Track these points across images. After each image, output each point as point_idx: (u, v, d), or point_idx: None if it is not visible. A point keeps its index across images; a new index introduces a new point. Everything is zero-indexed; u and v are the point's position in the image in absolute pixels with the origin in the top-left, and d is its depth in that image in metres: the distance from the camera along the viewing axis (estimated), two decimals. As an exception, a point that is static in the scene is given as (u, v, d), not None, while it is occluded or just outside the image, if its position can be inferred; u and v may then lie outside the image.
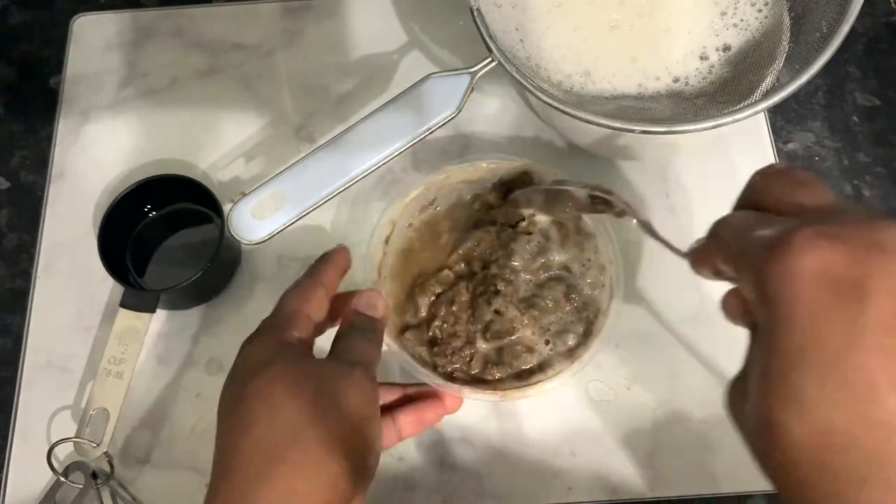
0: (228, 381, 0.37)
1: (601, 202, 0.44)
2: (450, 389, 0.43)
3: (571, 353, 0.44)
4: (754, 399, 0.23)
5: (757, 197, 0.28)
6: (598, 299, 0.46)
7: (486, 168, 0.48)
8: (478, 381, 0.44)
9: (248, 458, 0.33)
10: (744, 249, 0.25)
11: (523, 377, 0.44)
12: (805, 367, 0.22)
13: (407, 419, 0.42)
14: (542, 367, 0.44)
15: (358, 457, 0.34)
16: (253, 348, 0.37)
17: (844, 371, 0.21)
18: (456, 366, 0.44)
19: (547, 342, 0.44)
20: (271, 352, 0.36)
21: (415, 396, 0.43)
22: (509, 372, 0.44)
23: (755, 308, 0.24)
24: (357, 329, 0.39)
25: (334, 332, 0.40)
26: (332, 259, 0.43)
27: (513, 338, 0.44)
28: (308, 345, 0.38)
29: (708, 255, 0.29)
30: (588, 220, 0.47)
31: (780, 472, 0.23)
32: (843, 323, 0.22)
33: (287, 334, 0.37)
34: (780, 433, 0.22)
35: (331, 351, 0.39)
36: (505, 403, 0.47)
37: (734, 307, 0.28)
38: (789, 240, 0.23)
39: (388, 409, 0.42)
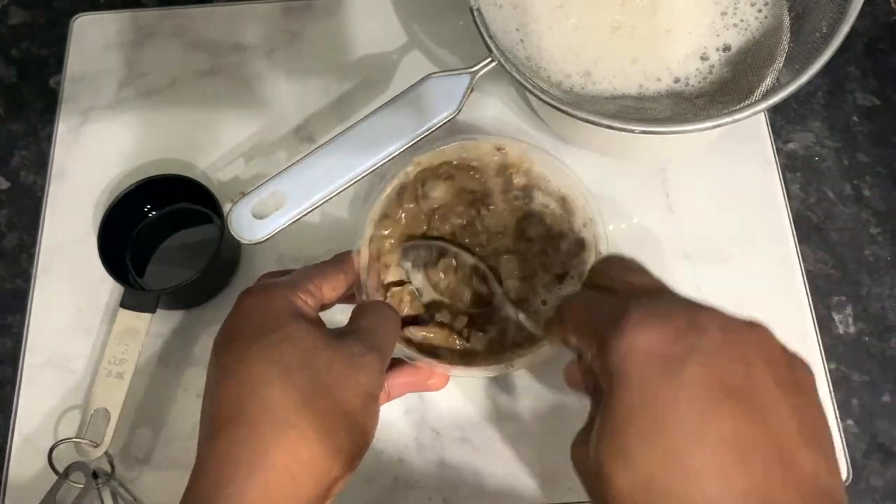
0: (227, 334, 0.35)
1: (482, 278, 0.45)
2: (441, 369, 0.42)
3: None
4: (592, 452, 0.28)
5: (597, 279, 0.34)
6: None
7: (453, 149, 0.46)
8: (468, 356, 0.43)
9: (255, 418, 0.32)
10: (587, 326, 0.30)
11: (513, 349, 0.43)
12: (632, 427, 0.26)
13: (398, 381, 0.41)
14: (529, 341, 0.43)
15: (358, 432, 0.34)
16: (258, 302, 0.36)
17: (663, 431, 0.25)
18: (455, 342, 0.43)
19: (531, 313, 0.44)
20: (283, 312, 0.35)
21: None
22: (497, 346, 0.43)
23: (598, 375, 0.29)
24: (383, 314, 0.39)
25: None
26: (339, 265, 0.42)
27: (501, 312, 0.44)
28: (317, 316, 0.38)
29: (558, 326, 0.33)
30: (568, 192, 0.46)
31: None
32: (666, 390, 0.26)
33: (299, 299, 0.37)
34: (609, 481, 0.26)
35: (350, 324, 0.38)
36: (505, 404, 0.47)
37: (574, 376, 0.34)
38: (624, 320, 0.28)
39: None
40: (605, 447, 0.27)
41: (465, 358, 0.43)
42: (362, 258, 0.43)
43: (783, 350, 0.28)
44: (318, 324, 0.37)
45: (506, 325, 0.44)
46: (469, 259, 0.45)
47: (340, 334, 0.37)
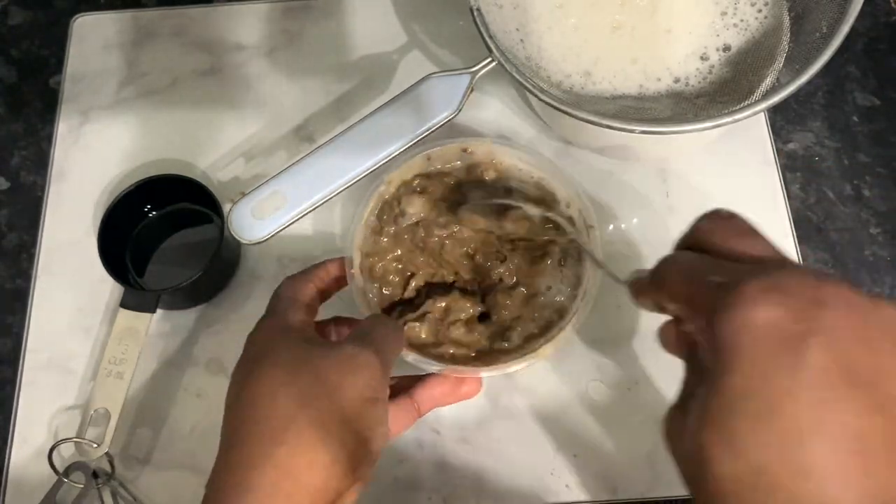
0: (236, 368, 0.37)
1: (553, 227, 0.45)
2: (469, 373, 0.42)
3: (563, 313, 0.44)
4: (692, 432, 0.25)
5: (701, 240, 0.30)
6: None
7: (421, 160, 0.46)
8: (484, 356, 0.43)
9: (246, 440, 0.33)
10: (695, 294, 0.27)
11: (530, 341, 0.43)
12: (742, 411, 0.24)
13: (425, 394, 0.41)
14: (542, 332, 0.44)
15: (358, 440, 0.34)
16: (257, 335, 0.38)
17: (778, 418, 0.23)
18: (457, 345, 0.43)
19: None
20: (273, 337, 0.37)
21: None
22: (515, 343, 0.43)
23: (704, 349, 0.26)
24: (378, 319, 0.40)
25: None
26: (325, 265, 0.43)
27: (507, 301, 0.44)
28: (309, 325, 0.39)
29: (653, 291, 0.30)
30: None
31: (707, 500, 0.25)
32: (782, 374, 0.23)
33: (287, 319, 0.38)
34: (712, 467, 0.24)
35: (350, 333, 0.39)
36: (505, 404, 0.47)
37: (671, 338, 0.31)
38: (740, 291, 0.25)
39: (404, 387, 0.41)
40: (709, 430, 0.24)
41: (484, 358, 0.43)
42: (357, 281, 0.43)
43: None
44: (309, 336, 0.38)
45: (505, 315, 0.44)
46: (535, 212, 0.44)
47: (332, 343, 0.37)
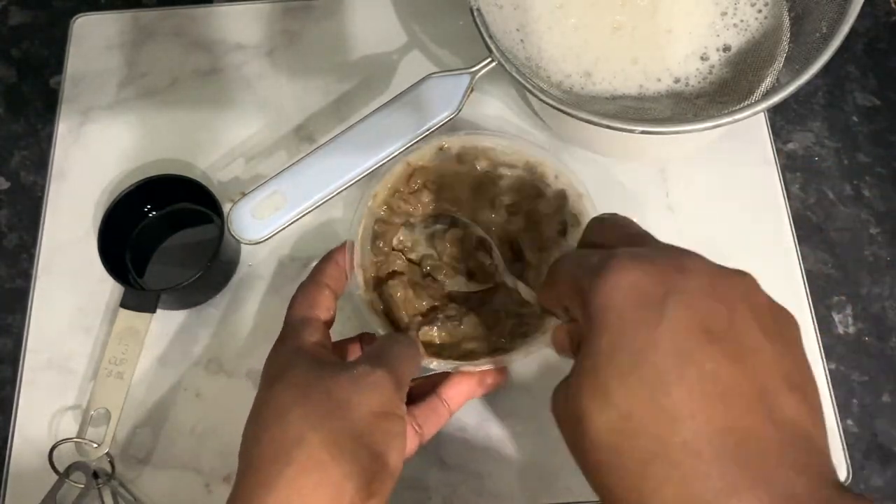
0: (256, 395, 0.38)
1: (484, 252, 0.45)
2: (490, 365, 0.42)
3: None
4: (570, 394, 0.27)
5: (591, 237, 0.34)
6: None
7: (401, 170, 0.46)
8: (504, 344, 0.44)
9: (258, 462, 0.34)
10: (575, 276, 0.30)
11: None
12: (610, 365, 0.26)
13: (452, 392, 0.42)
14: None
15: (371, 455, 0.34)
16: (271, 360, 0.39)
17: (642, 368, 0.25)
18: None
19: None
20: (286, 360, 0.38)
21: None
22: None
23: (583, 324, 0.28)
24: (392, 338, 0.41)
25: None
26: (333, 258, 0.43)
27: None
28: (323, 345, 0.39)
29: (548, 291, 0.33)
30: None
31: (585, 455, 0.27)
32: (646, 329, 0.26)
33: (300, 340, 0.39)
34: (586, 420, 0.26)
35: (363, 353, 0.40)
36: (505, 404, 0.47)
37: (562, 340, 0.34)
38: (608, 262, 0.28)
39: (432, 388, 0.42)
40: (583, 386, 0.27)
41: (504, 346, 0.43)
42: (363, 297, 0.44)
43: (769, 300, 0.28)
44: (322, 356, 0.38)
45: (501, 307, 0.44)
46: (477, 230, 0.45)
47: (343, 362, 0.38)
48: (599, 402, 0.26)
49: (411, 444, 0.39)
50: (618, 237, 0.32)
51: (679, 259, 0.28)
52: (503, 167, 0.47)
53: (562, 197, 0.45)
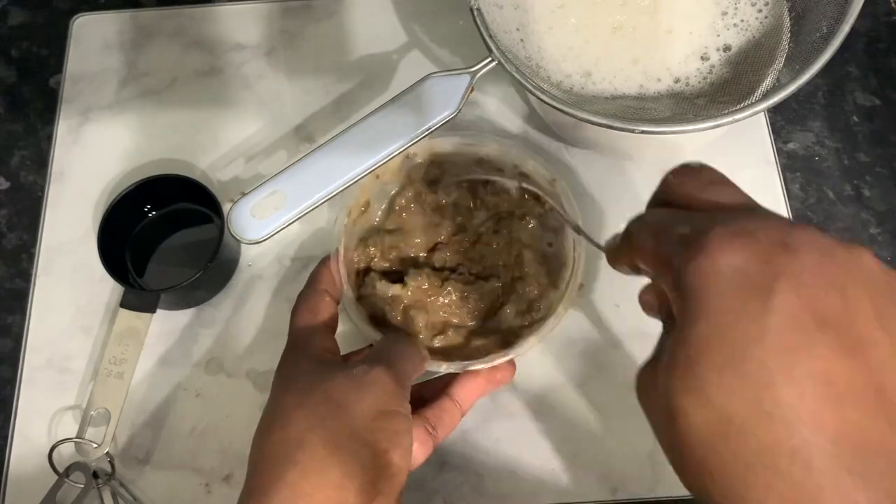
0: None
1: (531, 198, 0.46)
2: (499, 360, 0.42)
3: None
4: (661, 384, 0.24)
5: (671, 195, 0.29)
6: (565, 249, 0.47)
7: (374, 177, 0.47)
8: (508, 339, 0.44)
9: (263, 465, 0.34)
10: (662, 247, 0.26)
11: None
12: (709, 358, 0.23)
13: (463, 391, 0.42)
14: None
15: (374, 454, 0.34)
16: (279, 370, 0.39)
17: (744, 364, 0.22)
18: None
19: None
20: (292, 367, 0.38)
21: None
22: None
23: (673, 302, 0.25)
24: (392, 337, 0.42)
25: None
26: (326, 264, 0.44)
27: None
28: (329, 349, 0.40)
29: (625, 252, 0.29)
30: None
31: (679, 455, 0.24)
32: (749, 319, 0.23)
33: (305, 347, 0.39)
34: (681, 418, 0.23)
35: (364, 354, 0.40)
36: (505, 404, 0.47)
37: (650, 301, 0.31)
38: (705, 238, 0.24)
39: (441, 390, 0.42)
40: (677, 379, 0.23)
41: (509, 340, 0.44)
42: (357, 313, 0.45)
43: (887, 275, 0.24)
44: (325, 361, 0.38)
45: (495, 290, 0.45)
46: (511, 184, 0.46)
47: (343, 364, 0.38)
48: (696, 399, 0.23)
49: (425, 446, 0.39)
50: (708, 197, 0.28)
51: (787, 234, 0.24)
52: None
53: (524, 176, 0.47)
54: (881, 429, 0.22)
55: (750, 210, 0.27)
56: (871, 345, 0.23)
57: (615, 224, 0.51)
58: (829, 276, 0.23)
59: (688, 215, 0.27)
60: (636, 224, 0.29)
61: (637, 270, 0.29)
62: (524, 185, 0.46)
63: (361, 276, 0.46)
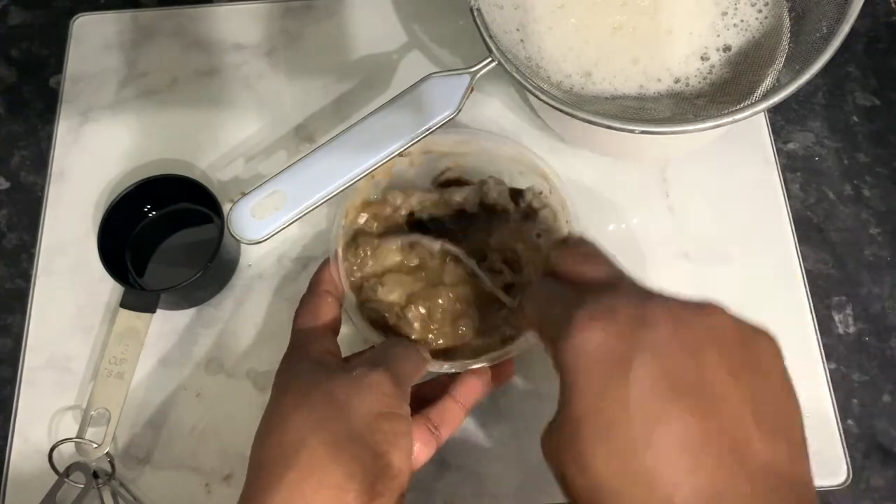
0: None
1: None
2: (497, 360, 0.42)
3: None
4: (554, 453, 0.28)
5: (555, 266, 0.33)
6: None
7: (370, 178, 0.46)
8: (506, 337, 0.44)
9: (263, 467, 0.34)
10: (542, 326, 0.31)
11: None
12: (584, 432, 0.26)
13: (464, 391, 0.42)
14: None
15: (373, 455, 0.34)
16: (279, 372, 0.39)
17: (614, 435, 0.26)
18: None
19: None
20: (293, 370, 0.39)
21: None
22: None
23: (558, 373, 0.29)
24: (391, 341, 0.42)
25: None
26: (327, 266, 0.44)
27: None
28: (330, 352, 0.40)
29: (522, 321, 0.35)
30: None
31: None
32: (614, 393, 0.26)
33: (307, 350, 0.39)
34: (568, 482, 0.27)
35: (364, 356, 0.40)
36: (505, 404, 0.47)
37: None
38: (573, 321, 0.27)
39: (443, 390, 0.42)
40: (561, 451, 0.27)
41: (508, 339, 0.44)
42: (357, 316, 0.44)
43: (738, 330, 0.27)
44: (327, 363, 0.39)
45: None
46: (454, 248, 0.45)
47: (343, 366, 0.39)
48: (576, 469, 0.26)
49: (428, 446, 0.39)
50: (581, 271, 0.32)
51: (642, 310, 0.27)
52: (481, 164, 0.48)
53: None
54: (733, 478, 0.24)
55: (614, 285, 0.30)
56: (723, 401, 0.25)
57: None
58: (684, 342, 0.26)
59: (562, 294, 0.31)
60: (526, 299, 0.33)
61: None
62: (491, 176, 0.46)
63: (359, 279, 0.46)
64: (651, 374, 0.26)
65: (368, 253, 0.45)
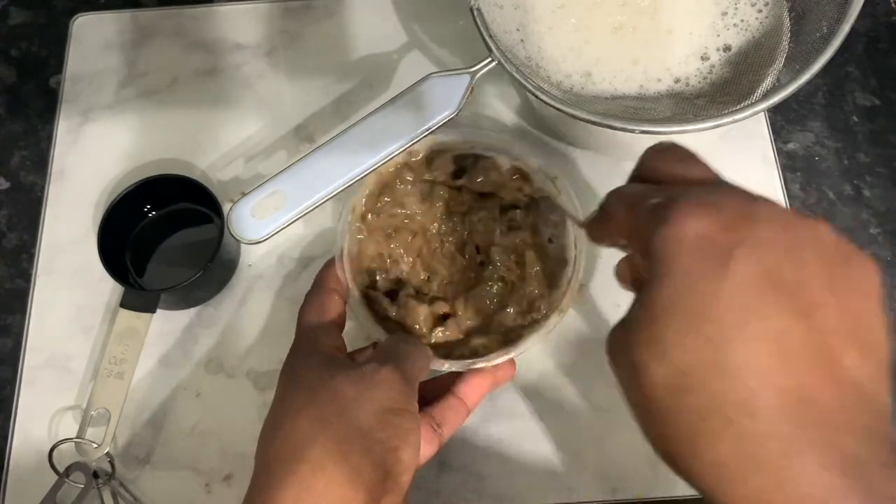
0: (272, 400, 0.38)
1: (520, 177, 0.46)
2: (500, 359, 0.43)
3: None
4: (627, 342, 0.26)
5: (647, 171, 0.31)
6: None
7: (377, 174, 0.47)
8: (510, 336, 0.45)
9: (272, 463, 0.34)
10: (634, 218, 0.28)
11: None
12: (669, 318, 0.25)
13: (467, 389, 0.42)
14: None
15: (383, 451, 0.34)
16: (285, 367, 0.39)
17: (701, 324, 0.24)
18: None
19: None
20: (299, 365, 0.38)
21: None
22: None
23: (643, 269, 0.27)
24: (398, 337, 0.42)
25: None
26: (332, 263, 0.45)
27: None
28: (336, 347, 0.40)
29: (602, 224, 0.31)
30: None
31: (642, 409, 0.26)
32: (708, 282, 0.24)
33: (312, 345, 0.39)
34: (643, 372, 0.25)
35: (371, 353, 0.41)
36: (505, 405, 0.47)
37: (625, 273, 0.33)
38: (673, 207, 0.26)
39: (447, 388, 0.42)
40: (641, 337, 0.25)
41: (511, 337, 0.44)
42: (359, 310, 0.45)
43: (845, 248, 0.26)
44: (333, 359, 0.38)
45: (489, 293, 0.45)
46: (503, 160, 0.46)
47: (351, 363, 0.38)
48: (657, 355, 0.25)
49: (431, 444, 0.39)
50: (679, 172, 0.30)
51: (749, 206, 0.26)
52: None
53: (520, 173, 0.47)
54: (822, 384, 0.24)
55: (717, 184, 0.29)
56: (821, 308, 0.24)
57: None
58: (787, 244, 0.25)
59: (659, 189, 0.29)
60: (612, 197, 0.31)
61: (614, 243, 0.31)
62: (515, 164, 0.46)
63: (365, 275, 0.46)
64: (751, 267, 0.24)
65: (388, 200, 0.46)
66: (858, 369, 0.24)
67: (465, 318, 0.45)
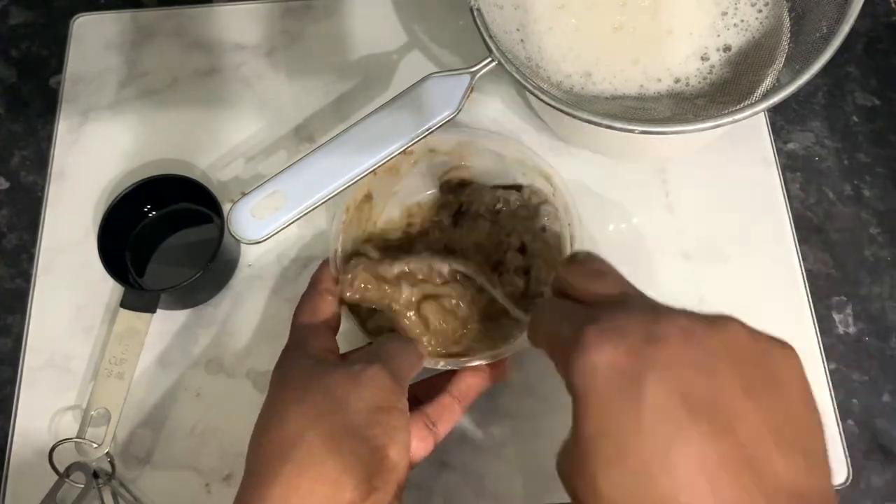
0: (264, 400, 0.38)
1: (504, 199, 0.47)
2: (494, 358, 0.43)
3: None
4: (565, 472, 0.28)
5: (563, 285, 0.32)
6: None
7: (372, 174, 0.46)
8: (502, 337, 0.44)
9: (259, 462, 0.34)
10: (552, 344, 0.30)
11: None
12: (596, 456, 0.25)
13: (461, 388, 0.42)
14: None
15: (371, 449, 0.34)
16: (277, 367, 0.39)
17: (625, 458, 0.25)
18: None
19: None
20: (290, 365, 0.39)
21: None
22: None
23: (569, 392, 0.28)
24: (390, 337, 0.42)
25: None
26: (328, 265, 0.45)
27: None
28: (328, 349, 0.40)
29: (533, 338, 0.33)
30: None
31: None
32: (625, 414, 0.25)
33: (305, 346, 0.39)
34: (580, 500, 0.26)
35: (361, 352, 0.41)
36: (505, 404, 0.47)
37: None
38: (580, 340, 0.27)
39: (440, 387, 0.42)
40: (573, 470, 0.27)
41: (504, 337, 0.44)
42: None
43: (755, 344, 0.26)
44: (324, 359, 0.39)
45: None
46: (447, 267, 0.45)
47: (342, 362, 0.39)
48: (589, 490, 0.26)
49: (425, 442, 0.39)
50: (592, 290, 0.31)
51: (652, 326, 0.26)
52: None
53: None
54: (753, 499, 0.24)
55: (624, 302, 0.30)
56: (740, 419, 0.24)
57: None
58: (695, 360, 0.25)
59: (572, 312, 0.30)
60: (535, 319, 0.33)
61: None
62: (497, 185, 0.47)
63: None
64: (664, 392, 0.25)
65: (368, 287, 0.44)
66: (789, 471, 0.24)
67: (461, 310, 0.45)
